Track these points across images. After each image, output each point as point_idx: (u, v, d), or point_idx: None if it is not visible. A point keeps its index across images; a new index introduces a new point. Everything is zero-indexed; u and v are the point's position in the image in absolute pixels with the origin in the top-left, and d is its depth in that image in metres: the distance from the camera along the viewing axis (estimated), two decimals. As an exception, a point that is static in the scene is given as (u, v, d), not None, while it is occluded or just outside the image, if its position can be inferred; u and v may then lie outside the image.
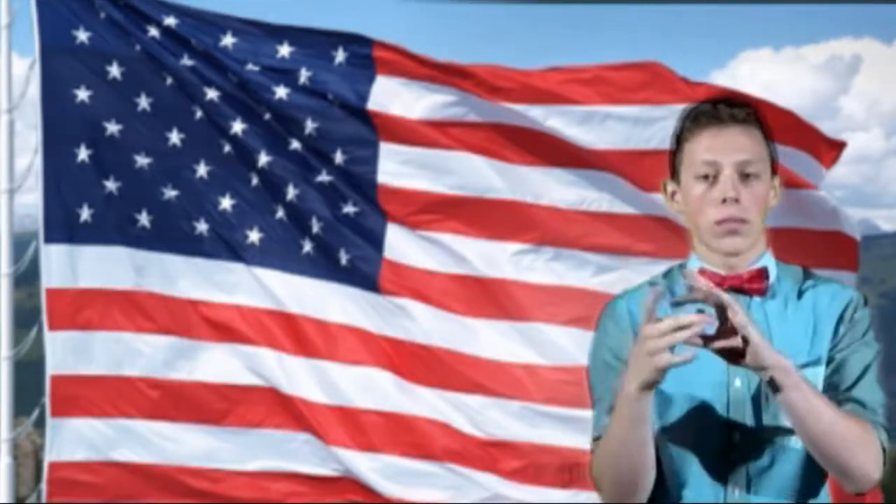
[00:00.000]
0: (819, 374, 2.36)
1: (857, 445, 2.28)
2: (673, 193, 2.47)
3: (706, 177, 2.38)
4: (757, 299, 2.40)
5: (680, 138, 2.44)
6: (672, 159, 2.46)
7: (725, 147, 2.37)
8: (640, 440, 2.28)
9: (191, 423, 4.92)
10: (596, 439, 2.41)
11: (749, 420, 2.35)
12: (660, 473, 2.39)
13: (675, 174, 2.46)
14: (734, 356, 2.22)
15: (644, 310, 2.18)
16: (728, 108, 2.41)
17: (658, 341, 2.15)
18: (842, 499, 2.52)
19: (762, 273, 2.41)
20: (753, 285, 2.40)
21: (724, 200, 2.35)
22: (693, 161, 2.40)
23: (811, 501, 2.38)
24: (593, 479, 2.40)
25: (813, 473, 2.37)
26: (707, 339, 2.19)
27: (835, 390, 2.33)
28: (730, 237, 2.36)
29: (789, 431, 2.34)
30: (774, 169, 2.45)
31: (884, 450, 2.33)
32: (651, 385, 2.21)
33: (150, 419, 4.91)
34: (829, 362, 2.37)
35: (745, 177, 2.37)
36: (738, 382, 2.36)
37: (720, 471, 2.36)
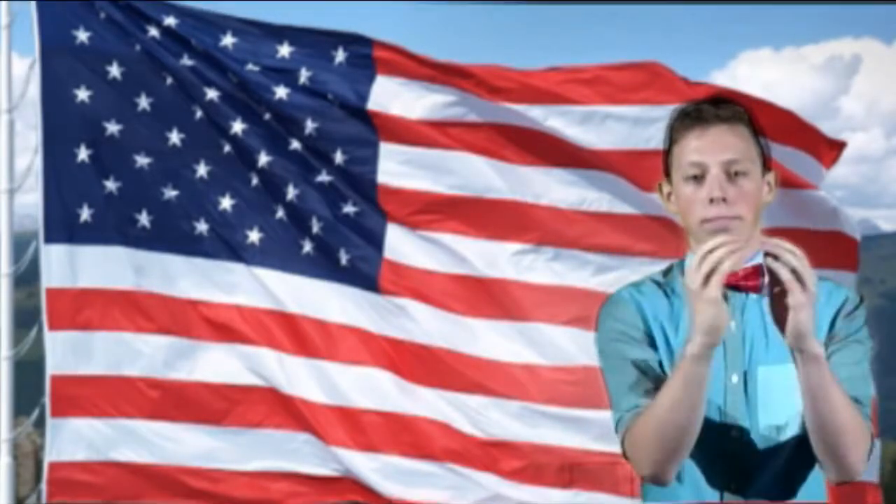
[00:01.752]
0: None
1: (858, 438, 2.28)
2: (668, 194, 2.48)
3: (694, 177, 2.39)
4: (753, 296, 2.41)
5: (670, 140, 2.46)
6: (664, 161, 2.47)
7: (711, 147, 2.38)
8: (693, 403, 2.25)
9: (191, 423, 4.92)
10: (630, 412, 2.35)
11: (746, 416, 2.36)
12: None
13: (668, 175, 2.47)
14: (777, 318, 2.22)
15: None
16: (712, 107, 2.42)
17: (697, 274, 2.18)
18: (839, 498, 2.53)
19: (757, 270, 2.41)
20: (749, 282, 2.40)
21: (712, 200, 2.36)
22: (681, 163, 2.41)
23: (807, 499, 2.38)
24: (628, 452, 2.36)
25: (810, 471, 2.37)
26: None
27: None
28: (721, 234, 2.37)
29: (787, 428, 2.35)
30: (767, 165, 2.45)
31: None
32: (715, 329, 2.19)
33: (150, 419, 4.91)
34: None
35: (732, 175, 2.37)
36: (734, 378, 2.37)
37: (717, 467, 2.37)
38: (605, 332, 2.46)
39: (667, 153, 2.47)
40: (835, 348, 2.37)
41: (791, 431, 2.36)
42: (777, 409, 2.35)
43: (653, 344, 2.41)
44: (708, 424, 2.36)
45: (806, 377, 2.23)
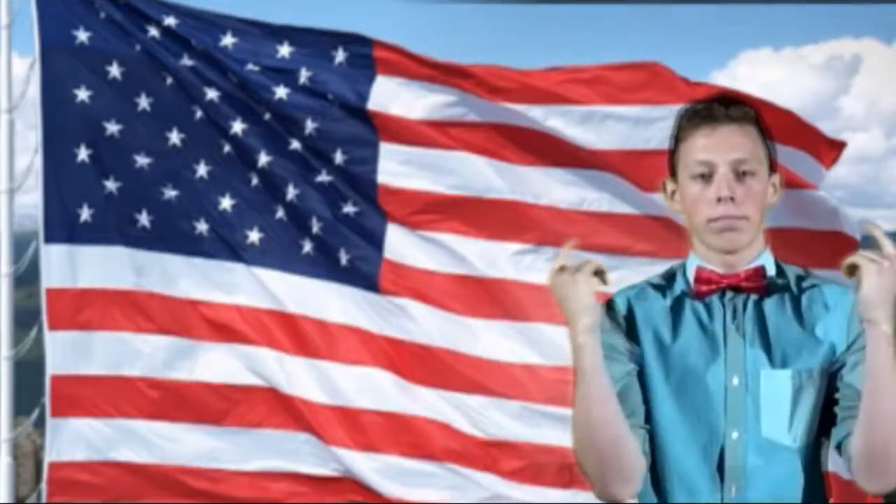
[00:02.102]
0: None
1: None
2: (672, 193, 2.48)
3: (702, 176, 2.38)
4: (755, 297, 2.40)
5: (677, 138, 2.45)
6: (670, 159, 2.47)
7: (720, 146, 2.38)
8: (597, 394, 2.28)
9: (191, 423, 4.92)
10: None
11: (747, 419, 2.35)
12: (657, 472, 2.39)
13: (673, 174, 2.46)
14: None
15: None
16: (723, 106, 2.41)
17: (571, 266, 2.43)
18: (841, 499, 2.52)
19: (760, 271, 2.41)
20: (751, 283, 2.40)
21: (719, 199, 2.36)
22: (688, 161, 2.40)
23: (809, 502, 2.38)
24: (578, 465, 2.36)
25: (811, 474, 2.37)
26: None
27: (849, 389, 2.32)
28: (727, 233, 2.36)
29: (788, 431, 2.34)
30: (773, 167, 2.45)
31: None
32: (592, 306, 2.35)
33: (150, 419, 4.91)
34: (843, 364, 2.34)
35: (740, 175, 2.37)
36: (735, 380, 2.36)
37: (717, 469, 2.36)
38: None
39: (673, 151, 2.46)
40: (857, 358, 2.32)
41: (793, 435, 2.35)
42: (779, 413, 2.34)
43: (635, 355, 2.40)
44: (708, 426, 2.36)
45: (869, 353, 2.23)
